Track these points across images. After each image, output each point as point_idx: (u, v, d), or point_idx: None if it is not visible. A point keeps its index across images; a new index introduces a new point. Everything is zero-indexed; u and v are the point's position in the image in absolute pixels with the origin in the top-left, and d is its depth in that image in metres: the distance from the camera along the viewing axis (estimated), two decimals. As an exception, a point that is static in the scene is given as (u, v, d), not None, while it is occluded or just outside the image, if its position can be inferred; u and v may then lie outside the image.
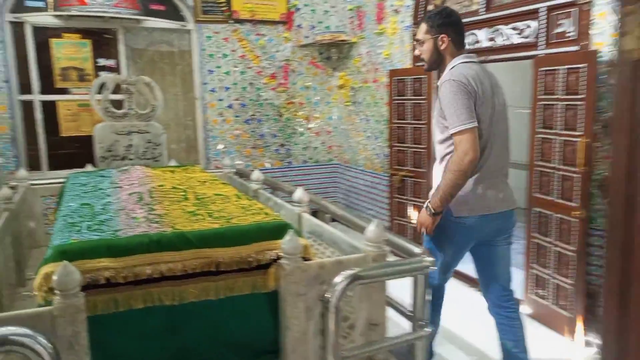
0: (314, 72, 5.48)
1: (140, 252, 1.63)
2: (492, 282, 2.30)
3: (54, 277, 1.38)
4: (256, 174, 3.14)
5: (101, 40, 4.75)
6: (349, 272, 1.65)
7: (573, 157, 2.78)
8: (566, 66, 2.79)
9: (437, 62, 2.25)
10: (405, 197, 4.39)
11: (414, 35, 4.18)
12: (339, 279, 1.63)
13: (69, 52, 4.57)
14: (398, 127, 4.36)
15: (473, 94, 2.05)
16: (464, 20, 2.41)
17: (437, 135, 2.21)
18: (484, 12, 3.51)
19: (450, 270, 2.37)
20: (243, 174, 3.75)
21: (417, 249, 1.88)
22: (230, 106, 5.14)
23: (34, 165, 4.53)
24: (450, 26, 2.19)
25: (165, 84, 5.04)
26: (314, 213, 2.52)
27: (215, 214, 1.98)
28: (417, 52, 2.39)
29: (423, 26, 2.24)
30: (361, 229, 2.15)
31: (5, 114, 4.32)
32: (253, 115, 5.26)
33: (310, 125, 5.56)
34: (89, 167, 3.47)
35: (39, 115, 4.49)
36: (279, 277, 1.74)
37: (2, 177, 4.21)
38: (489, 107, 2.10)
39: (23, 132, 4.48)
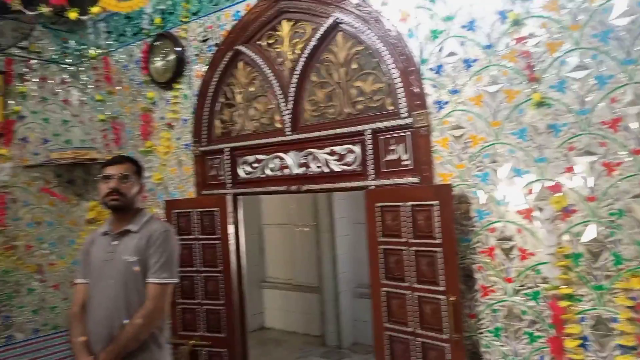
0: (49, 201, 3.89)
1: None
2: None
3: None
4: None
5: None
6: None
7: (435, 321, 2.12)
8: (410, 203, 2.21)
9: (132, 205, 2.24)
10: (199, 376, 3.10)
11: (196, 155, 3.23)
12: None
13: None
14: (183, 277, 3.16)
15: None
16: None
17: (130, 280, 2.06)
18: (290, 133, 2.81)
19: None
20: None
21: None
22: None
23: None
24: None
25: None
26: None
27: None
28: (112, 184, 2.18)
29: (129, 165, 2.26)
30: None
31: None
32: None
33: (44, 277, 3.81)
34: None
35: None
36: None
37: None
38: None
39: None
